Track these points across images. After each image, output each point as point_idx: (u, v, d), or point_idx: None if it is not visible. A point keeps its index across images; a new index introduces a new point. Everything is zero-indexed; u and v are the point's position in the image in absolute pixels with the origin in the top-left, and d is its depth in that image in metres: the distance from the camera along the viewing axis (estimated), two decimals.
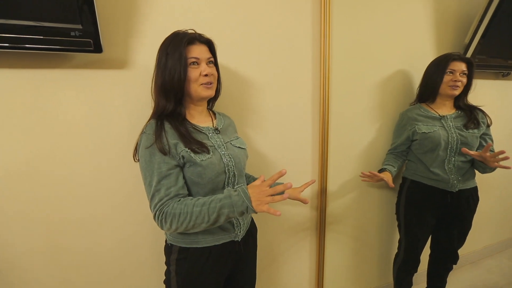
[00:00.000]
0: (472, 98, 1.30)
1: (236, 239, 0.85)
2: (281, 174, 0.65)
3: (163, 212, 0.69)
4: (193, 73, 0.76)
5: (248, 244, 0.90)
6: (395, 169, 1.31)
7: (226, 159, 0.80)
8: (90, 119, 0.90)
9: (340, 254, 1.49)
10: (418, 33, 1.46)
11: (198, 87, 0.78)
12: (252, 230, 0.94)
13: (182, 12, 0.97)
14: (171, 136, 0.73)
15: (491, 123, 1.24)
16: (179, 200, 0.71)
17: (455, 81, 1.18)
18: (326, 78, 1.23)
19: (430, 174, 1.25)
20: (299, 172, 1.30)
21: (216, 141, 0.82)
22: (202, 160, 0.74)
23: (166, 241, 0.86)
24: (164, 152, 0.71)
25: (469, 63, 1.20)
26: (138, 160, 0.76)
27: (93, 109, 0.90)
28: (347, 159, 1.40)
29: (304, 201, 0.92)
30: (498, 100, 1.85)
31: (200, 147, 0.74)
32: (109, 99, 0.92)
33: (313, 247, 1.42)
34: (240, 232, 0.85)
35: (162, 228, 0.72)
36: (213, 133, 0.83)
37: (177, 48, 0.73)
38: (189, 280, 0.78)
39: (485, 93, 1.75)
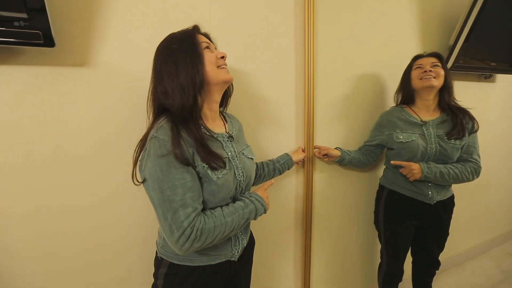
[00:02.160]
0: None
1: (233, 259, 0.78)
2: (271, 183, 0.85)
3: (197, 229, 0.60)
4: (209, 55, 0.69)
5: (242, 260, 0.83)
6: (349, 157, 1.24)
7: (239, 174, 0.74)
8: (42, 121, 0.79)
9: (325, 262, 1.43)
10: (403, 33, 1.43)
11: (218, 70, 0.70)
12: (250, 246, 0.87)
13: (150, 5, 0.88)
14: (189, 144, 0.63)
15: (478, 128, 1.13)
16: (205, 214, 0.65)
17: (425, 71, 1.10)
18: (311, 79, 1.16)
19: (408, 185, 1.18)
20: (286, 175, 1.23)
21: (231, 150, 0.75)
22: (218, 178, 0.66)
23: (156, 253, 0.78)
24: (185, 161, 0.60)
25: (437, 56, 1.13)
26: (141, 181, 0.64)
27: (45, 111, 0.79)
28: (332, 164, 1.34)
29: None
30: (481, 102, 1.86)
31: (217, 161, 0.66)
32: (66, 99, 0.81)
33: (298, 255, 1.35)
34: (237, 252, 0.78)
35: (190, 247, 0.60)
36: (227, 140, 0.76)
37: (185, 38, 0.67)
38: None
39: (468, 94, 1.75)
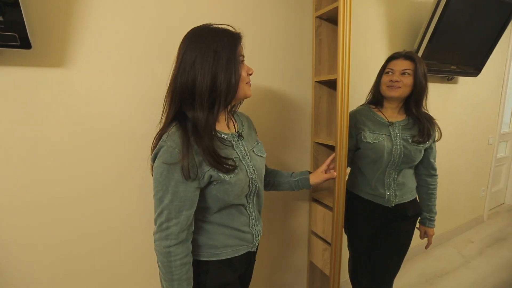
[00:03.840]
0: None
1: (253, 249, 0.83)
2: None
3: (167, 248, 0.65)
4: (243, 73, 0.70)
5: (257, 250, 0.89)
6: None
7: (251, 172, 0.76)
8: (18, 119, 0.81)
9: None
10: (371, 38, 1.53)
11: (245, 86, 0.72)
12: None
13: (130, 3, 0.91)
14: (196, 153, 0.65)
15: (440, 138, 1.16)
16: (186, 245, 0.68)
17: (392, 81, 1.08)
18: None
19: (367, 188, 1.19)
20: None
21: (241, 150, 0.76)
22: (231, 177, 0.69)
23: None
24: (187, 176, 0.63)
25: (412, 60, 1.07)
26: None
27: (22, 109, 0.81)
28: None
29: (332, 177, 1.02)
30: (445, 101, 2.01)
31: (227, 163, 0.68)
32: (43, 100, 0.83)
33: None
34: (257, 242, 0.84)
35: (158, 245, 0.66)
36: (237, 140, 0.77)
37: (231, 47, 0.66)
38: None
39: (433, 95, 1.89)
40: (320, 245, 1.36)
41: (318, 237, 1.39)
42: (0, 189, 0.82)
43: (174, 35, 0.99)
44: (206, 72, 0.63)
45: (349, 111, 1.12)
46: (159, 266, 0.69)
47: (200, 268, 0.75)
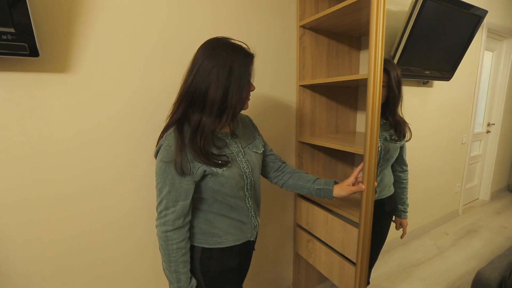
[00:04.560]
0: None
1: (252, 239, 0.92)
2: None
3: (164, 233, 0.75)
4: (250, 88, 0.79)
5: (256, 240, 0.97)
6: None
7: (244, 167, 0.83)
8: (27, 121, 0.89)
9: None
10: None
11: (245, 101, 0.80)
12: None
13: (126, 14, 0.99)
14: (189, 151, 0.73)
15: (410, 138, 1.26)
16: (182, 232, 0.77)
17: None
18: None
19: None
20: None
21: (234, 148, 0.83)
22: (224, 170, 0.76)
23: None
24: (182, 173, 0.71)
25: (386, 72, 1.13)
26: None
27: (30, 110, 0.89)
28: None
29: (360, 189, 0.95)
30: (421, 103, 2.17)
31: (220, 160, 0.76)
32: (49, 102, 0.91)
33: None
34: (255, 232, 0.93)
35: (159, 229, 0.76)
36: (230, 139, 0.84)
37: (245, 66, 0.73)
38: (217, 278, 0.84)
39: (410, 98, 2.04)
40: (305, 237, 1.48)
41: (303, 229, 1.50)
42: (6, 186, 0.89)
43: (170, 42, 1.09)
44: (220, 84, 0.70)
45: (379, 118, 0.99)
46: (160, 249, 0.78)
47: (204, 254, 0.83)
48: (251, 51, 0.77)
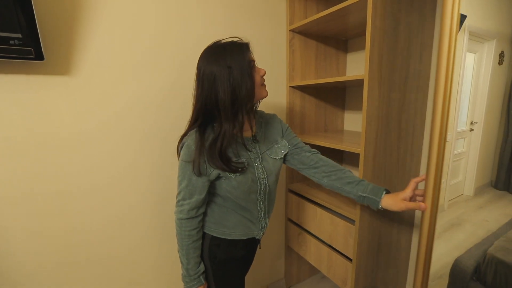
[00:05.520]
0: None
1: (258, 237, 0.97)
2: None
3: (180, 220, 0.83)
4: (257, 77, 0.77)
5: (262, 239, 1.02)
6: None
7: (259, 173, 0.85)
8: (33, 121, 0.94)
9: None
10: None
11: (261, 88, 0.80)
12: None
13: (127, 18, 1.05)
14: (207, 156, 0.76)
15: None
16: (194, 222, 0.83)
17: None
18: None
19: None
20: None
21: (253, 153, 0.85)
22: (236, 175, 0.80)
23: None
24: (199, 174, 0.77)
25: None
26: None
27: (36, 113, 0.94)
28: None
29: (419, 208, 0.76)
30: None
31: (235, 166, 0.78)
32: (53, 103, 0.96)
33: None
34: (262, 233, 0.97)
35: (177, 217, 0.84)
36: (251, 143, 0.86)
37: (241, 58, 0.72)
38: (222, 264, 0.90)
39: None
40: (296, 230, 1.55)
41: (293, 223, 1.58)
42: (13, 182, 0.94)
43: (167, 45, 1.15)
44: (226, 87, 0.71)
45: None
46: (176, 234, 0.85)
47: (213, 242, 0.89)
48: (244, 40, 0.77)
